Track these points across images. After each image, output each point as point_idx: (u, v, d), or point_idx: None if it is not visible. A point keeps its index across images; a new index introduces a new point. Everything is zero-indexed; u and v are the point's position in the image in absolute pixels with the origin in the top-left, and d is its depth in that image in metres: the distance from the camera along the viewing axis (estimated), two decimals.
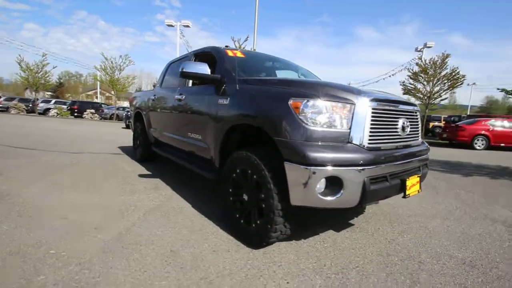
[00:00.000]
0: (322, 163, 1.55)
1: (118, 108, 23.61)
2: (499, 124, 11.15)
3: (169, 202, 2.84)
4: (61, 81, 56.94)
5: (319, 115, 1.65)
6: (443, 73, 14.37)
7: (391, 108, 1.90)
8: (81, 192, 2.99)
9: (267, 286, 1.55)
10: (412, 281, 1.67)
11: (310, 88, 1.76)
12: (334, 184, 1.59)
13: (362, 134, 1.70)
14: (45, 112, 22.94)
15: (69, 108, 22.82)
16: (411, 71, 15.74)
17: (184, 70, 2.45)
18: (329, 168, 1.55)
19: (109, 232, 2.11)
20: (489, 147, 10.93)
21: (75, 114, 22.07)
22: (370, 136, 1.73)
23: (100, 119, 22.19)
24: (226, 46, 2.95)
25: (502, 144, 10.92)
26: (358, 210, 2.84)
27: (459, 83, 14.12)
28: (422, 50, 21.09)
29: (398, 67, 21.61)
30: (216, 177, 2.51)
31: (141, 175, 3.86)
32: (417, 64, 15.31)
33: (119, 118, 22.78)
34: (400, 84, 16.33)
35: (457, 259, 1.96)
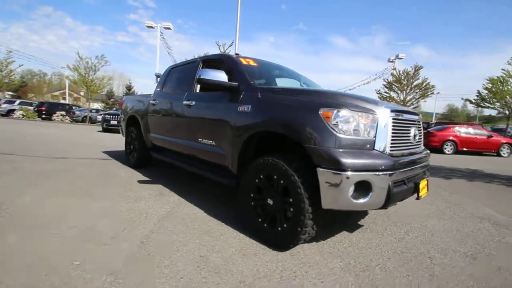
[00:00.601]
0: (354, 169, 1.67)
1: (91, 110, 22.43)
2: (464, 131, 12.26)
3: (180, 208, 2.81)
4: (24, 80, 52.78)
5: (349, 124, 1.78)
6: (415, 83, 15.57)
7: (405, 118, 2.08)
8: (82, 200, 2.86)
9: (305, 286, 1.63)
10: (430, 274, 1.83)
11: (339, 99, 1.89)
12: (364, 188, 1.72)
13: (384, 142, 1.86)
14: (9, 113, 21.12)
15: (36, 109, 21.21)
16: (386, 80, 16.85)
17: (201, 77, 2.49)
18: (361, 173, 1.68)
19: (129, 241, 2.06)
20: (456, 151, 11.94)
21: (43, 116, 20.56)
22: (391, 143, 1.89)
23: (71, 121, 20.88)
24: (237, 54, 3.02)
25: (465, 149, 12.00)
26: (362, 212, 3.01)
27: (429, 93, 15.37)
28: (394, 60, 22.62)
29: (372, 76, 22.96)
30: (233, 183, 2.55)
31: (141, 181, 3.76)
32: (392, 74, 16.42)
33: (92, 121, 21.65)
34: (376, 93, 17.37)
35: (460, 253, 2.18)
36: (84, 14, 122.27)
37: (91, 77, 19.45)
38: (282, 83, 3.28)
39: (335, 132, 1.76)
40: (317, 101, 1.88)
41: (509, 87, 13.45)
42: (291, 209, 1.91)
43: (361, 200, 1.73)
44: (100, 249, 1.91)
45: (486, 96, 14.28)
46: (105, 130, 13.35)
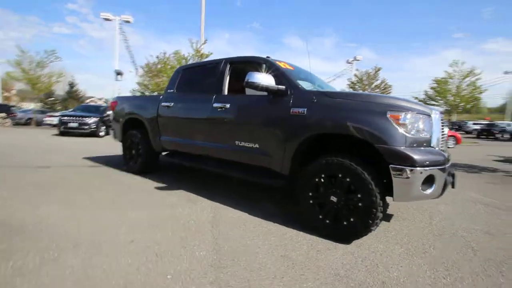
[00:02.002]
0: (424, 164, 1.92)
1: (36, 112, 19.76)
2: None
3: (221, 212, 2.79)
4: None
5: (414, 125, 2.02)
6: (375, 84, 17.17)
7: (442, 118, 2.41)
8: (112, 211, 2.65)
9: (391, 271, 1.82)
10: (471, 249, 2.18)
11: (402, 104, 2.11)
12: (430, 181, 1.98)
13: (436, 140, 2.15)
14: None
15: None
16: (349, 80, 18.22)
17: (249, 81, 2.51)
18: (429, 168, 1.93)
19: (202, 248, 2.02)
20: None
21: None
22: (440, 141, 2.19)
23: (14, 125, 18.16)
24: (268, 57, 3.07)
25: None
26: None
27: (387, 92, 17.08)
28: (352, 62, 24.55)
29: (331, 77, 24.58)
30: (281, 184, 2.63)
31: (158, 188, 3.57)
32: (355, 75, 17.84)
33: (37, 124, 19.10)
34: None
35: (479, 231, 2.60)
36: (12, 1, 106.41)
37: (37, 73, 17.15)
38: (304, 85, 3.43)
39: (404, 133, 1.98)
40: (384, 105, 2.09)
41: (450, 86, 15.75)
42: (360, 204, 2.09)
43: (428, 191, 1.99)
44: (180, 260, 1.85)
45: (432, 95, 16.52)
46: (62, 133, 12.01)
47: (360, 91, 2.96)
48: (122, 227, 2.29)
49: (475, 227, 2.70)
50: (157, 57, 17.42)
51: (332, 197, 2.24)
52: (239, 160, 2.98)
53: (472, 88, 15.24)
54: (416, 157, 1.91)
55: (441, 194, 2.11)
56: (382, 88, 17.09)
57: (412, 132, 2.01)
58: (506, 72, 27.00)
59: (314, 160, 2.38)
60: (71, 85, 47.95)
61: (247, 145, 2.84)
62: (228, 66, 3.24)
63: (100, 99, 57.03)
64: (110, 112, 5.19)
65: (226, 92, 3.21)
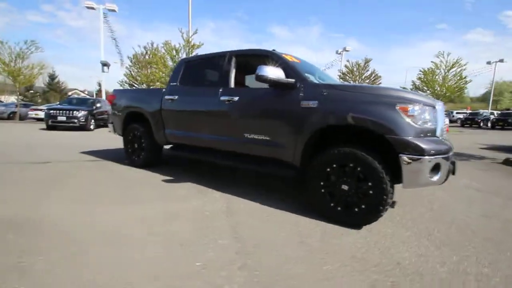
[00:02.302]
0: (431, 153, 2.05)
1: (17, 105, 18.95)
2: None
3: (234, 203, 2.86)
4: None
5: (421, 116, 2.14)
6: (365, 74, 17.42)
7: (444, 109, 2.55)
8: (127, 206, 2.68)
9: (402, 252, 1.96)
10: (471, 231, 2.36)
11: (410, 96, 2.22)
12: (436, 168, 2.11)
13: (440, 130, 2.28)
14: None
15: None
16: (340, 71, 18.39)
17: (259, 74, 2.55)
18: (436, 156, 2.06)
19: (223, 237, 2.10)
20: None
21: None
22: (443, 131, 2.32)
23: None
24: (273, 50, 3.10)
25: None
26: None
27: (378, 83, 17.41)
28: (342, 53, 24.70)
29: (321, 67, 24.63)
30: (292, 174, 2.73)
31: (165, 181, 3.60)
32: (345, 66, 18.03)
33: (21, 118, 18.37)
34: None
35: (477, 214, 2.80)
36: None
37: (18, 65, 16.36)
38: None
39: (412, 124, 2.10)
40: (393, 98, 2.19)
41: (437, 77, 16.22)
42: (371, 192, 2.21)
43: (434, 178, 2.13)
44: (205, 248, 1.92)
45: (420, 86, 16.96)
46: (50, 127, 11.65)
47: (367, 84, 3.05)
48: (138, 221, 2.33)
49: (471, 210, 2.90)
50: (145, 47, 17.03)
51: (343, 185, 2.35)
52: (248, 152, 3.05)
53: (457, 78, 15.76)
54: (424, 146, 2.04)
55: (445, 180, 2.25)
56: (372, 79, 17.41)
57: (419, 123, 2.13)
58: (488, 62, 27.92)
59: (321, 151, 2.48)
60: (52, 77, 45.96)
61: (257, 137, 2.90)
62: (234, 59, 3.25)
63: (82, 91, 55.07)
64: (108, 106, 5.08)
65: (232, 85, 3.24)
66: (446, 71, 16.17)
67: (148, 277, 1.58)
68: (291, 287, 1.55)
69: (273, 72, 2.58)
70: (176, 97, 3.68)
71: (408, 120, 2.10)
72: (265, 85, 2.77)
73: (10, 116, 18.54)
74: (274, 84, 2.63)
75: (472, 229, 2.42)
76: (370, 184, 2.21)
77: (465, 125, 25.64)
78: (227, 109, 3.12)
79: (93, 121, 12.67)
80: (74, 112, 11.67)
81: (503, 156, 6.57)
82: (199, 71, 3.67)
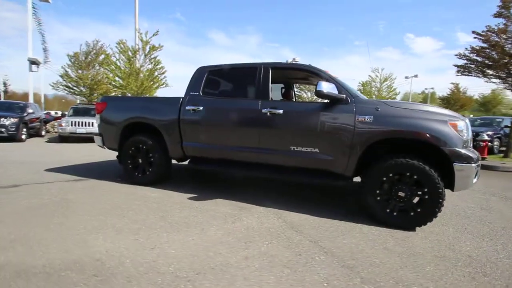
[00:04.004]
0: (475, 160, 2.47)
1: None
2: None
3: (286, 217, 2.84)
4: None
5: (464, 130, 2.56)
6: None
7: None
8: (176, 233, 2.41)
9: (463, 246, 2.30)
10: (487, 223, 2.91)
11: (453, 114, 2.64)
12: (476, 173, 2.55)
13: (470, 141, 2.76)
14: None
15: None
16: None
17: (319, 89, 2.70)
18: (477, 163, 2.50)
19: (314, 252, 2.11)
20: None
21: None
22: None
23: None
24: (294, 59, 3.26)
25: None
26: None
27: None
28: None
29: None
30: (342, 184, 2.89)
31: (192, 199, 3.33)
32: None
33: None
34: None
35: (475, 208, 3.43)
36: None
37: None
38: None
39: (460, 137, 2.50)
40: (442, 115, 2.57)
41: (373, 88, 18.86)
42: (426, 196, 2.53)
43: (474, 181, 2.56)
44: (313, 266, 1.90)
45: None
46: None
47: (414, 102, 3.40)
48: (211, 248, 2.13)
49: (471, 205, 3.55)
50: (88, 45, 15.05)
51: (400, 192, 2.62)
52: (294, 165, 3.09)
53: (390, 90, 18.68)
54: (471, 155, 2.46)
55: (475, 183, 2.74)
56: None
57: (464, 137, 2.56)
58: (406, 77, 33.59)
59: (374, 162, 2.72)
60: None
61: (305, 150, 2.97)
62: (270, 71, 3.26)
63: None
64: (96, 116, 4.39)
65: (271, 97, 3.24)
66: (380, 83, 18.91)
67: None
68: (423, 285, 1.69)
69: (328, 88, 2.72)
70: (201, 108, 3.45)
71: (457, 134, 2.50)
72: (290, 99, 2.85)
73: None
74: (331, 99, 2.77)
75: (484, 220, 2.98)
76: (426, 190, 2.52)
77: None
78: (270, 122, 3.10)
79: (25, 129, 10.56)
80: (1, 119, 9.54)
81: None
82: (228, 81, 3.54)
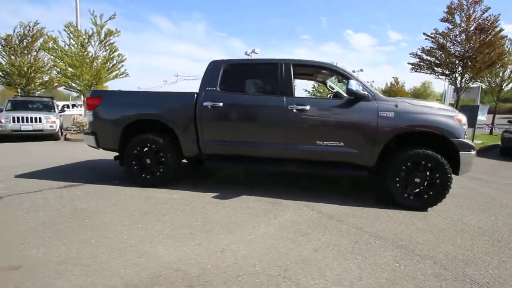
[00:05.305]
0: (474, 148, 2.98)
1: None
2: None
3: (319, 208, 3.02)
4: None
5: (465, 124, 3.04)
6: None
7: None
8: (235, 232, 2.41)
9: (473, 221, 2.79)
10: (491, 198, 3.54)
11: (455, 110, 3.09)
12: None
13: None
14: None
15: None
16: None
17: (350, 88, 2.92)
18: (475, 150, 3.02)
19: (378, 245, 2.34)
20: None
21: None
22: None
23: None
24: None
25: None
26: None
27: None
28: (250, 55, 26.38)
29: None
30: (365, 175, 3.20)
31: (217, 198, 3.27)
32: None
33: None
34: None
35: (474, 189, 4.11)
36: None
37: None
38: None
39: (463, 129, 2.97)
40: (449, 111, 3.02)
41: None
42: (438, 181, 2.96)
43: (472, 166, 3.08)
44: (393, 263, 2.12)
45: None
46: None
47: (423, 100, 3.77)
48: (277, 244, 2.20)
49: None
50: (23, 27, 12.73)
51: (416, 179, 3.01)
52: (320, 159, 3.27)
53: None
54: (472, 144, 2.96)
55: None
56: None
57: (465, 130, 3.05)
58: (353, 71, 36.65)
59: (391, 153, 3.07)
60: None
61: (331, 144, 3.16)
62: (292, 67, 3.33)
63: None
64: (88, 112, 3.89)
65: (295, 94, 3.33)
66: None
67: None
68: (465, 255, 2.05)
69: (357, 86, 2.95)
70: (221, 104, 3.35)
71: (462, 127, 2.97)
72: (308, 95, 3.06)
73: None
74: (358, 96, 3.00)
75: (491, 196, 3.62)
76: (437, 175, 2.96)
77: None
78: (296, 118, 3.19)
79: None
80: None
81: None
82: (247, 77, 3.48)
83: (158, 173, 3.62)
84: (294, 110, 3.20)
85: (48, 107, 10.18)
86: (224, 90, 3.46)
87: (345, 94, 4.01)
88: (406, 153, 3.01)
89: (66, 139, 9.85)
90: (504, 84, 11.21)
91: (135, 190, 3.47)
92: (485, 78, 10.93)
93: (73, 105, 28.60)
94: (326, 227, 2.56)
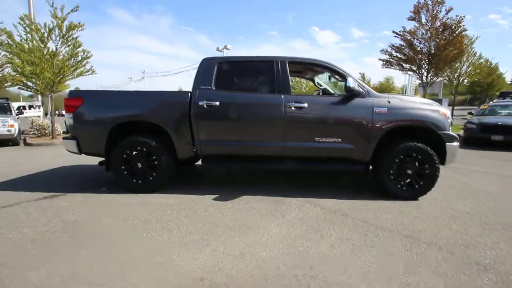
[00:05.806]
0: (457, 140, 3.23)
1: None
2: None
3: (322, 204, 3.09)
4: None
5: (450, 117, 3.28)
6: None
7: None
8: (246, 234, 2.38)
9: (461, 206, 3.04)
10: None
11: (440, 105, 3.31)
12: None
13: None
14: None
15: None
16: None
17: (348, 85, 3.00)
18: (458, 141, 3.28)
19: (386, 235, 2.45)
20: None
21: None
22: None
23: None
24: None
25: None
26: None
27: None
28: (222, 50, 25.94)
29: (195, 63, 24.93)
30: (363, 169, 3.32)
31: (218, 199, 3.19)
32: None
33: None
34: None
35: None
36: None
37: None
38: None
39: (448, 123, 3.21)
40: (435, 106, 3.23)
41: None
42: (427, 172, 3.18)
43: (457, 156, 3.34)
44: (414, 255, 2.22)
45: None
46: None
47: (413, 96, 3.90)
48: (293, 243, 2.20)
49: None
50: None
51: (408, 170, 3.20)
52: (318, 155, 3.33)
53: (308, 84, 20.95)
54: (456, 136, 3.21)
55: None
56: None
57: (450, 123, 3.29)
58: None
59: (384, 147, 3.23)
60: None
61: (329, 140, 3.23)
62: (287, 65, 3.33)
63: None
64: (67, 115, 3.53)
65: (291, 91, 3.33)
66: None
67: None
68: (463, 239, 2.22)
69: (354, 83, 3.04)
70: (217, 103, 3.24)
71: (447, 120, 3.20)
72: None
73: None
74: (355, 93, 3.09)
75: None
76: (427, 166, 3.17)
77: None
78: (295, 116, 3.20)
79: None
80: None
81: None
82: (243, 75, 3.40)
83: (151, 178, 3.43)
84: (293, 108, 3.21)
85: (4, 109, 9.19)
86: (220, 89, 3.36)
87: (331, 91, 4.15)
88: (399, 146, 3.18)
89: (26, 144, 8.98)
90: (461, 79, 12.40)
91: (126, 197, 3.26)
92: (445, 73, 11.96)
93: (30, 106, 25.98)
94: (333, 222, 2.62)
